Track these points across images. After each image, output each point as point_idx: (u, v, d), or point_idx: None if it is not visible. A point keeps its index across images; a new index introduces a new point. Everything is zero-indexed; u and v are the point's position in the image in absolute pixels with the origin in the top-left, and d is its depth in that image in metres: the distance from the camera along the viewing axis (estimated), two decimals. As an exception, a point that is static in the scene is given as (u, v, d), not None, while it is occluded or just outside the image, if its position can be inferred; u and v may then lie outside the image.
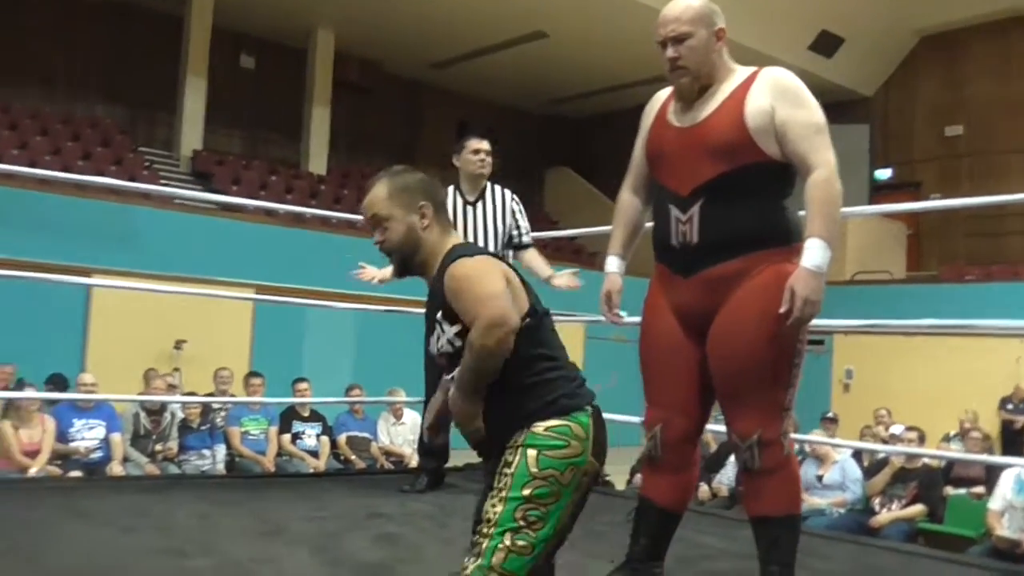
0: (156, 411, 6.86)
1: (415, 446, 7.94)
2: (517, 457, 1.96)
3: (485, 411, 2.02)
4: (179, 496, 3.84)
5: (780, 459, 2.50)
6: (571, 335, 13.09)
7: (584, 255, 15.32)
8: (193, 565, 2.75)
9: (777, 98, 2.46)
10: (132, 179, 11.23)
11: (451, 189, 4.36)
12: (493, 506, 1.95)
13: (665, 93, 2.69)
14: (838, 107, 16.42)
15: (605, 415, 5.92)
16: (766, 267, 2.45)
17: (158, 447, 6.74)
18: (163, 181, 12.35)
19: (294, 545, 3.08)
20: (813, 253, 2.38)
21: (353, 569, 2.81)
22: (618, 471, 8.24)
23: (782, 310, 2.38)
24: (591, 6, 13.26)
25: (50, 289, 9.01)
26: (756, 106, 2.46)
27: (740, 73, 2.56)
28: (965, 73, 15.29)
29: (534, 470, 1.95)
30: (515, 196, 4.51)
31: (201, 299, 8.69)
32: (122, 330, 9.69)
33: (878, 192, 16.17)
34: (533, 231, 4.60)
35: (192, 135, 13.79)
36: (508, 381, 1.99)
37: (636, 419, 6.23)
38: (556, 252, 14.13)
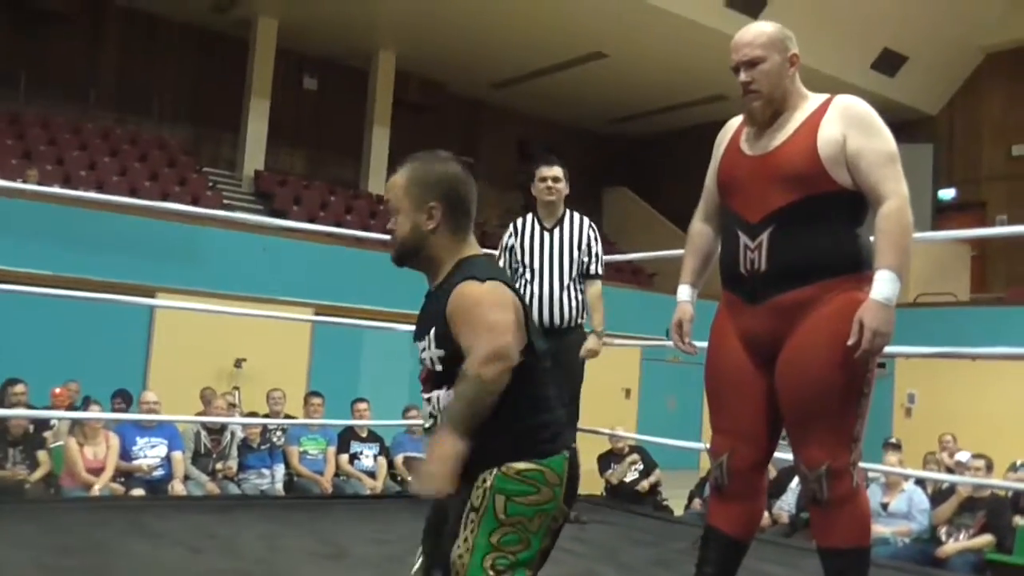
0: (217, 430, 6.95)
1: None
2: (484, 501, 1.86)
3: None
4: (243, 517, 3.89)
5: (849, 490, 2.46)
6: (627, 357, 13.09)
7: (643, 276, 15.25)
8: (259, 588, 2.78)
9: (849, 127, 2.45)
10: (196, 199, 11.48)
11: (530, 215, 4.45)
12: (460, 556, 1.86)
13: (737, 121, 2.69)
14: (901, 126, 16.14)
15: (661, 439, 5.94)
16: (837, 295, 2.43)
17: (218, 466, 6.83)
18: (226, 201, 12.60)
19: (358, 568, 3.10)
20: (882, 285, 2.35)
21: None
22: (676, 495, 8.17)
23: (850, 342, 2.35)
24: (650, 27, 13.25)
25: (115, 307, 9.24)
26: (828, 135, 2.46)
27: (813, 100, 2.56)
28: (1032, 90, 14.96)
29: (501, 516, 1.85)
30: (593, 225, 4.55)
31: (261, 318, 8.85)
32: (184, 347, 9.87)
33: (942, 212, 15.84)
34: None
35: (255, 155, 14.05)
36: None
37: (692, 444, 6.20)
38: (616, 273, 14.09)
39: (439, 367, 1.95)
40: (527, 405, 1.92)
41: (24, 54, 12.98)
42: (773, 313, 2.49)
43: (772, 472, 7.78)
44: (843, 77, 14.69)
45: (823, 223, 2.46)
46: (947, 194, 16.08)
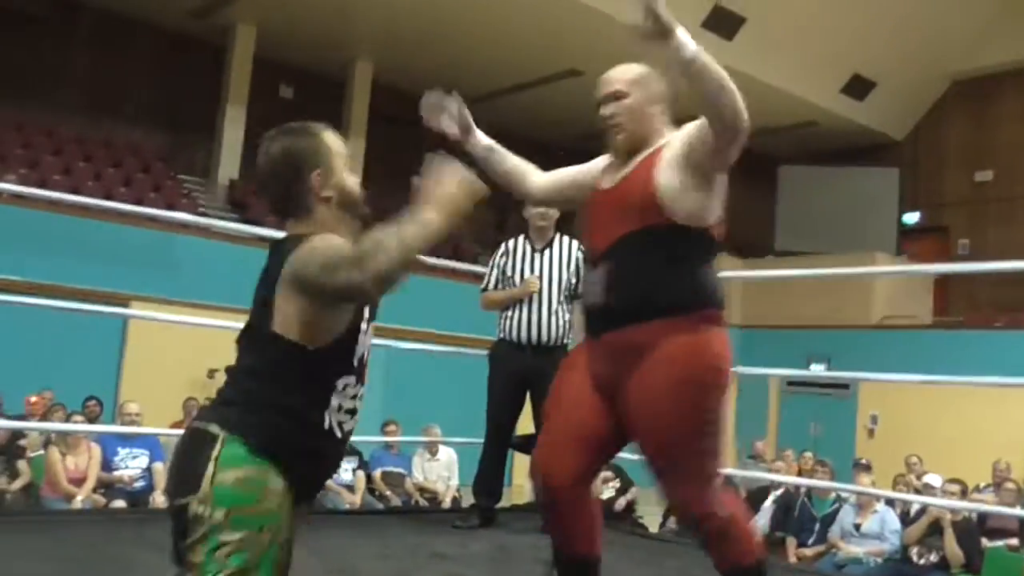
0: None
1: (450, 483, 8.02)
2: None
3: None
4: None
5: (722, 523, 2.47)
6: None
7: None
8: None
9: (678, 136, 2.48)
10: (171, 206, 11.41)
11: (521, 236, 4.56)
12: None
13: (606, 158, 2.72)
14: (869, 150, 16.49)
15: (630, 455, 6.07)
16: (671, 338, 2.38)
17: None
18: (201, 209, 12.52)
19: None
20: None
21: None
22: (650, 512, 8.24)
23: None
24: (626, 46, 13.37)
25: (84, 316, 9.13)
26: (665, 161, 2.46)
27: (668, 135, 2.55)
28: (995, 118, 15.33)
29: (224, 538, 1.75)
30: (581, 247, 4.65)
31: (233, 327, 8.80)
32: (157, 355, 9.80)
33: (906, 236, 16.18)
34: None
35: (230, 164, 13.97)
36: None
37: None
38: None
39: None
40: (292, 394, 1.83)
41: (-3, 55, 12.83)
42: (608, 351, 2.45)
43: (743, 492, 7.91)
44: (812, 100, 14.97)
45: (660, 258, 2.42)
46: (911, 218, 16.42)
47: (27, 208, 9.33)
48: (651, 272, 2.40)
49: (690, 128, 2.45)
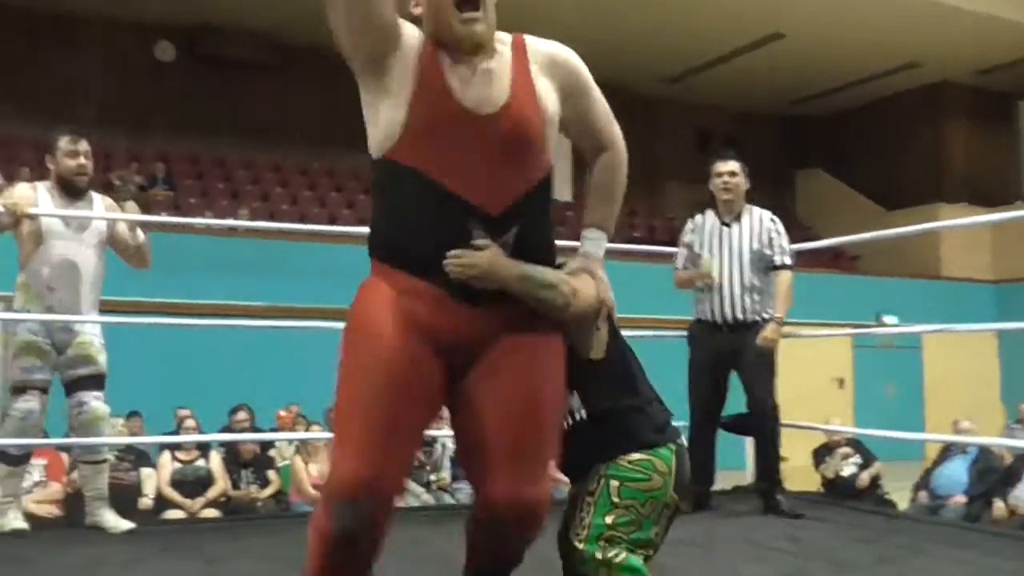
0: (428, 442, 7.17)
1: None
2: (599, 485, 2.00)
3: (567, 439, 2.03)
4: (459, 528, 3.97)
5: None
6: (837, 345, 12.53)
7: (844, 260, 14.61)
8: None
9: (567, 86, 1.98)
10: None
11: (710, 211, 4.44)
12: (578, 534, 2.00)
13: (414, 29, 1.96)
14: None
15: (877, 431, 5.75)
16: None
17: (432, 477, 7.04)
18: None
19: None
20: (599, 244, 2.12)
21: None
22: (898, 488, 7.74)
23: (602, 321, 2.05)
24: (828, 1, 12.67)
25: (322, 333, 9.70)
26: (546, 95, 1.94)
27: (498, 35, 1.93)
28: None
29: (615, 499, 1.99)
30: (774, 217, 4.46)
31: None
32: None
33: None
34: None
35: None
36: (592, 409, 2.05)
37: (912, 435, 5.83)
38: (813, 257, 13.56)
39: None
40: (627, 397, 2.07)
41: (225, 102, 13.92)
42: (493, 317, 1.92)
43: (1007, 459, 7.22)
44: (999, 13, 13.25)
45: (548, 211, 2.03)
46: None
47: (261, 240, 10.04)
48: (549, 232, 2.10)
49: (596, 113, 2.08)
